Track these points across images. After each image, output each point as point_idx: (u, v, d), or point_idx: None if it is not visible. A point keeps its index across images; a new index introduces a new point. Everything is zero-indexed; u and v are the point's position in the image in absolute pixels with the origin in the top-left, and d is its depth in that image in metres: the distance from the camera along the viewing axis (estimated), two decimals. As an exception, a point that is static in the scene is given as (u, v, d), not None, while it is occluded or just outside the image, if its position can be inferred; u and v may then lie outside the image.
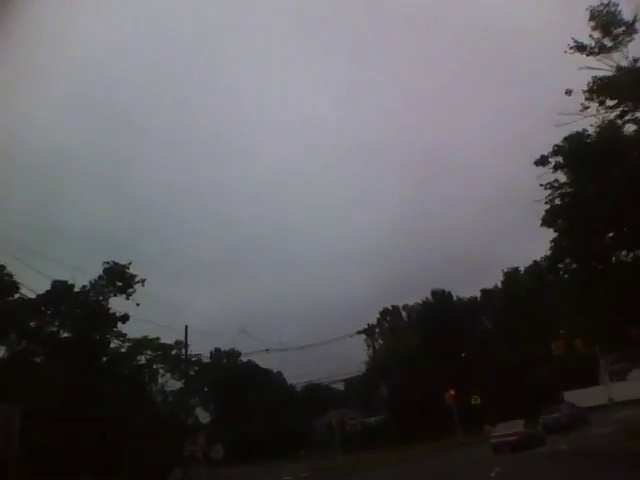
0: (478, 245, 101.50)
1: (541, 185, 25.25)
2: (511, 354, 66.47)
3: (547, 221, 26.89)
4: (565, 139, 24.45)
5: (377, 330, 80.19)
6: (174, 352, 66.81)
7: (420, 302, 73.19)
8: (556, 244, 27.33)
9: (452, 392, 51.35)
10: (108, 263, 43.31)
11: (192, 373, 71.07)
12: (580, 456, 23.31)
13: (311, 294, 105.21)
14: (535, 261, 77.23)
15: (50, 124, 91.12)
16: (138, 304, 40.87)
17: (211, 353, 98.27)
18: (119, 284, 42.51)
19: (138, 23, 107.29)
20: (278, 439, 77.79)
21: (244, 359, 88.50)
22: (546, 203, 25.82)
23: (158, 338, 66.98)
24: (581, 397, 60.10)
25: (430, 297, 72.49)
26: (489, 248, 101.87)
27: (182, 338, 48.87)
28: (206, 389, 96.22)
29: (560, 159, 24.90)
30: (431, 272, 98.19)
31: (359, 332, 47.66)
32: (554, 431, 35.62)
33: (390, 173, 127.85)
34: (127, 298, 42.54)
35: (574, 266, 28.13)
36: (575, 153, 24.00)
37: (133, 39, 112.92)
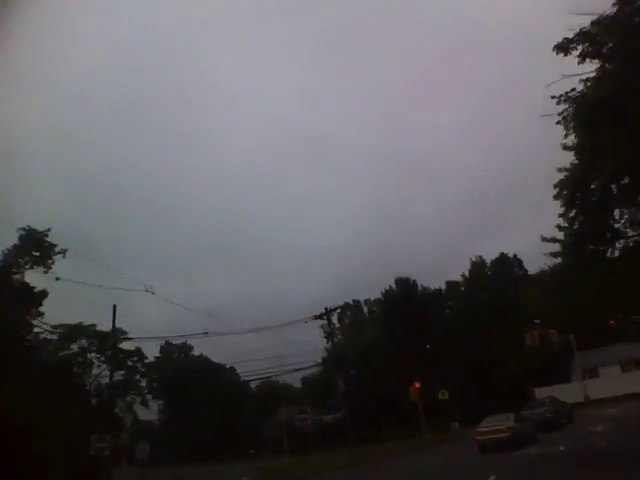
0: (444, 243, 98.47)
1: (553, 97, 18.96)
2: (478, 348, 62.22)
3: (581, 123, 19.31)
4: (594, 23, 18.04)
5: (337, 324, 76.00)
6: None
7: (382, 292, 68.34)
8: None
9: (417, 385, 46.40)
10: (24, 230, 37.13)
11: (131, 364, 65.03)
12: (593, 458, 18.21)
13: (274, 290, 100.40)
14: (502, 253, 74.29)
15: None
16: (58, 278, 34.72)
17: (161, 347, 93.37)
18: (35, 254, 36.38)
19: None
20: (229, 438, 73.95)
21: (186, 345, 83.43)
22: (560, 121, 19.28)
23: (94, 325, 61.09)
24: (554, 394, 56.01)
25: (394, 286, 67.73)
26: (455, 246, 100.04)
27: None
28: (154, 385, 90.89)
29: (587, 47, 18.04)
30: (396, 268, 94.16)
31: (316, 317, 42.34)
32: (537, 429, 30.77)
33: (356, 170, 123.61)
34: (45, 272, 36.39)
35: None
36: (621, 32, 17.11)
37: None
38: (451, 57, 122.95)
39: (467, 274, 70.69)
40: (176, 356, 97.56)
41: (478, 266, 70.42)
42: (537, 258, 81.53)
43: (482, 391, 58.99)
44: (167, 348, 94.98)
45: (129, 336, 44.38)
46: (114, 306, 39.38)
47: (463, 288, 70.63)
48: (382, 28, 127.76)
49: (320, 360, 54.76)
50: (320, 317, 42.87)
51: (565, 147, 21.75)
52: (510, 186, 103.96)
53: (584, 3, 17.23)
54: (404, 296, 65.79)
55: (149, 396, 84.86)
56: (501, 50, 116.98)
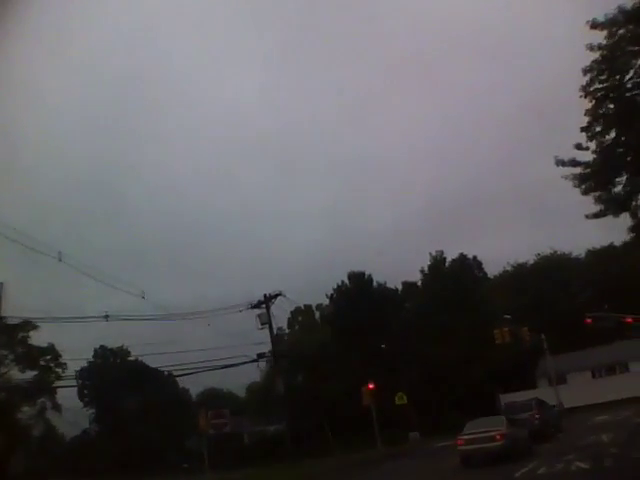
0: (402, 249, 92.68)
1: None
2: (440, 349, 56.16)
3: None
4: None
5: (287, 330, 69.24)
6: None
7: (334, 288, 61.60)
8: None
9: (371, 386, 39.63)
10: None
11: (44, 363, 56.30)
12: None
13: (226, 295, 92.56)
14: (462, 254, 68.86)
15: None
16: None
17: (95, 350, 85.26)
18: None
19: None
20: (161, 451, 66.47)
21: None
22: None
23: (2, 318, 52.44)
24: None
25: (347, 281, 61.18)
26: (414, 251, 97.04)
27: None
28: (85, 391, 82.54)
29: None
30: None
31: (253, 306, 35.46)
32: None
33: (313, 175, 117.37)
34: None
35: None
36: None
37: None
38: (417, 64, 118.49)
39: (426, 270, 64.59)
40: (111, 360, 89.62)
41: (438, 262, 64.56)
42: (497, 263, 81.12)
43: (443, 397, 52.96)
44: (101, 352, 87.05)
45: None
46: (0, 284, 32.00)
47: (421, 282, 64.56)
48: (347, 31, 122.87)
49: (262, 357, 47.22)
50: (257, 306, 35.97)
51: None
52: (472, 196, 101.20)
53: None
54: (358, 292, 59.34)
55: (81, 403, 77.04)
56: (471, 56, 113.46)
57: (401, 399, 42.43)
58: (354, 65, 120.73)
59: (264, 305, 36.02)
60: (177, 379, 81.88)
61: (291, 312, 70.28)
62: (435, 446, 37.08)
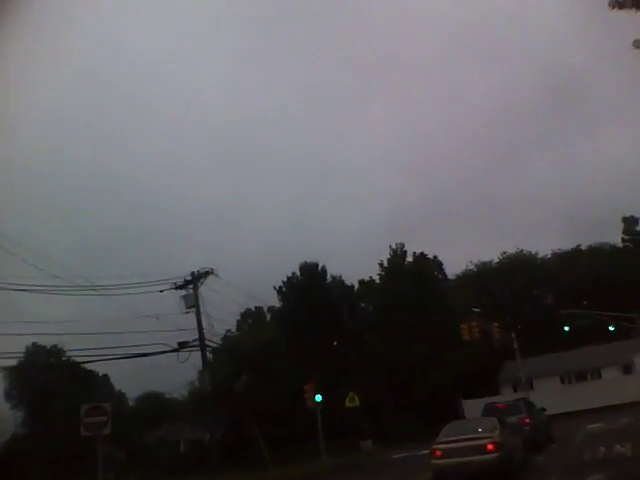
0: (363, 250, 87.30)
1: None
2: (398, 350, 50.88)
3: None
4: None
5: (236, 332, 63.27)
6: None
7: (284, 281, 55.56)
8: None
9: (311, 384, 33.54)
10: None
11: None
12: None
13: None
14: (422, 253, 63.82)
15: None
16: None
17: (26, 349, 77.68)
18: None
19: None
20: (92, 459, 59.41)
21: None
22: None
23: None
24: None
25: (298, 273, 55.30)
26: (375, 254, 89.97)
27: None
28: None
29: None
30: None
31: (178, 286, 29.62)
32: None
33: (277, 171, 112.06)
34: None
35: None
36: None
37: None
38: (382, 66, 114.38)
39: (386, 263, 59.23)
40: (44, 360, 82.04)
41: (398, 257, 59.31)
42: (460, 266, 77.33)
43: (399, 402, 47.66)
44: (34, 351, 79.54)
45: None
46: None
47: (380, 277, 59.20)
48: (313, 29, 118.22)
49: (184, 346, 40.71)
50: (184, 286, 30.05)
51: None
52: (437, 200, 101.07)
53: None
54: (309, 284, 53.66)
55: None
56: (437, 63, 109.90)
57: (352, 401, 36.70)
58: (322, 63, 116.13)
59: (192, 286, 30.12)
60: (113, 382, 76.44)
61: (241, 314, 64.66)
62: (391, 457, 31.54)
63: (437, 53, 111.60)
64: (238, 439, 47.46)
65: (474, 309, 42.56)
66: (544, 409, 25.06)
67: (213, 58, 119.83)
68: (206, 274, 30.08)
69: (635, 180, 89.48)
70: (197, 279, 29.95)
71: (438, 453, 15.12)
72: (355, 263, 71.62)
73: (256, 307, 67.77)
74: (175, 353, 28.58)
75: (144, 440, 64.70)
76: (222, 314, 34.82)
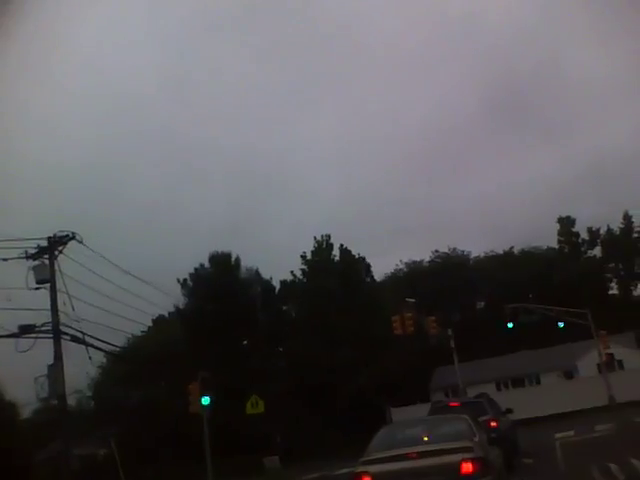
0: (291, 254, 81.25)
1: None
2: (320, 352, 44.91)
3: None
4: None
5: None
6: None
7: (190, 273, 48.33)
8: None
9: (196, 384, 26.22)
10: None
11: None
12: None
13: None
14: (346, 248, 58.19)
15: None
16: None
17: None
18: None
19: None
20: None
21: None
22: None
23: None
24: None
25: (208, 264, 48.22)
26: None
27: None
28: None
29: None
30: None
31: (30, 256, 22.48)
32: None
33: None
34: None
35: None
36: None
37: None
38: (326, 70, 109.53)
39: (309, 255, 53.07)
40: None
41: (324, 250, 53.30)
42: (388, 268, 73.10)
43: (319, 411, 41.58)
44: None
45: None
46: None
47: (302, 271, 52.99)
48: (260, 24, 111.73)
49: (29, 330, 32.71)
50: (39, 256, 22.96)
51: None
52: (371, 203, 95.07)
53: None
54: (220, 277, 46.86)
55: None
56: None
57: (254, 407, 29.81)
58: (268, 63, 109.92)
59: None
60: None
61: (152, 320, 56.83)
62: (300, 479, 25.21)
63: (379, 59, 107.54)
64: (139, 454, 40.48)
65: (408, 299, 36.89)
66: (510, 410, 18.94)
67: (153, 50, 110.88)
68: (66, 239, 23.04)
69: (572, 186, 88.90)
70: (54, 246, 22.83)
71: (367, 478, 8.37)
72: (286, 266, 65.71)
73: (169, 312, 60.12)
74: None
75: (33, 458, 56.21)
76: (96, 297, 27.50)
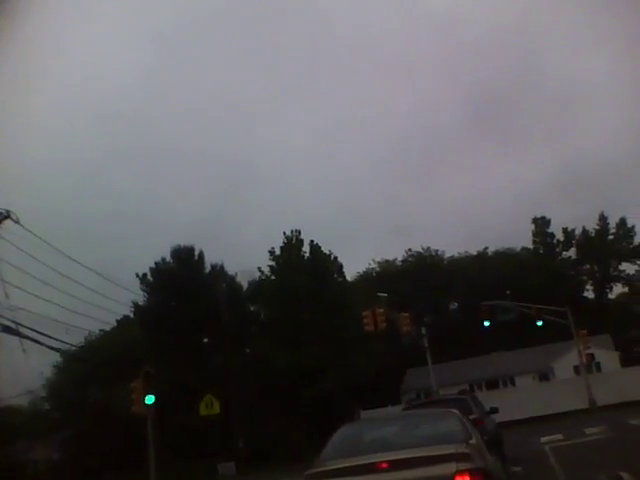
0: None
1: None
2: (284, 356, 42.71)
3: None
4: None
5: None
6: None
7: (151, 268, 45.65)
8: None
9: (140, 381, 23.08)
10: None
11: None
12: None
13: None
14: (317, 244, 56.09)
15: None
16: None
17: None
18: None
19: None
20: None
21: None
22: None
23: None
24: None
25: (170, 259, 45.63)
26: None
27: None
28: None
29: None
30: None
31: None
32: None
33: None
34: None
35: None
36: None
37: None
38: (303, 70, 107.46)
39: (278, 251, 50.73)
40: None
41: (293, 246, 51.04)
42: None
43: (285, 413, 39.38)
44: None
45: None
46: None
47: (270, 268, 50.63)
48: (235, 23, 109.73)
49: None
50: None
51: None
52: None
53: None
54: (181, 272, 44.37)
55: None
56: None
57: (209, 407, 27.25)
58: (243, 64, 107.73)
59: None
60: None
61: (117, 321, 54.07)
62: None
63: (360, 58, 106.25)
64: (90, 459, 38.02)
65: (380, 294, 34.87)
66: (496, 410, 16.74)
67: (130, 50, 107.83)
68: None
69: (548, 187, 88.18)
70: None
71: None
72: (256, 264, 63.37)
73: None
74: None
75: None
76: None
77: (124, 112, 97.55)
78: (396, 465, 5.82)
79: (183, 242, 46.68)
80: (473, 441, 6.60)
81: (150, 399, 22.04)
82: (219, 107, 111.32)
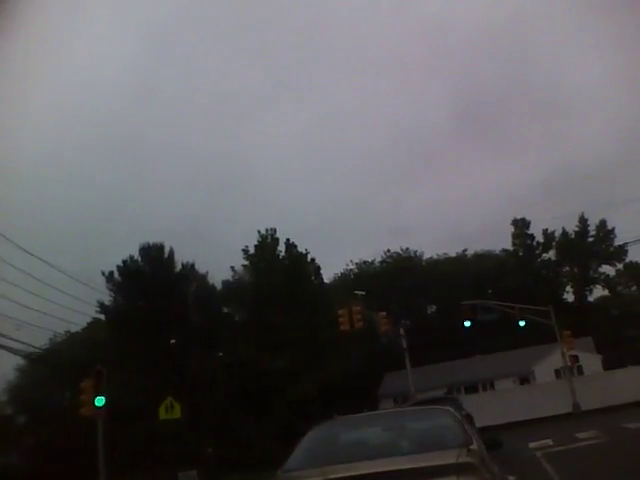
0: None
1: None
2: (257, 359, 41.05)
3: None
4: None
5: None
6: None
7: (118, 267, 43.56)
8: None
9: (90, 380, 21.10)
10: None
11: None
12: None
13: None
14: (293, 243, 54.42)
15: None
16: None
17: None
18: None
19: None
20: None
21: None
22: None
23: None
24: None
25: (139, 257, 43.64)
26: None
27: None
28: None
29: None
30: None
31: None
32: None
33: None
34: None
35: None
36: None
37: None
38: (290, 71, 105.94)
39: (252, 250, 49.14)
40: None
41: (268, 245, 49.43)
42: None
43: (258, 418, 37.69)
44: None
45: None
46: None
47: (244, 267, 49.05)
48: (226, 24, 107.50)
49: None
50: None
51: None
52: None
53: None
54: (150, 271, 42.50)
55: None
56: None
57: (169, 411, 25.39)
58: (230, 65, 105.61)
59: None
60: None
61: (87, 323, 51.81)
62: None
63: (349, 59, 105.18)
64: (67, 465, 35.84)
65: (357, 291, 33.43)
66: (470, 416, 15.36)
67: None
68: None
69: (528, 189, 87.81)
70: None
71: None
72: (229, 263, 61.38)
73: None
74: None
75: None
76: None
77: (105, 106, 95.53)
78: (379, 475, 4.35)
79: (158, 241, 44.70)
80: (475, 446, 5.15)
81: (100, 401, 20.10)
82: (201, 105, 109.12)
